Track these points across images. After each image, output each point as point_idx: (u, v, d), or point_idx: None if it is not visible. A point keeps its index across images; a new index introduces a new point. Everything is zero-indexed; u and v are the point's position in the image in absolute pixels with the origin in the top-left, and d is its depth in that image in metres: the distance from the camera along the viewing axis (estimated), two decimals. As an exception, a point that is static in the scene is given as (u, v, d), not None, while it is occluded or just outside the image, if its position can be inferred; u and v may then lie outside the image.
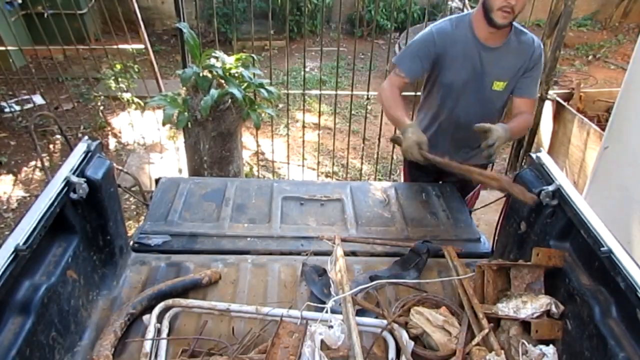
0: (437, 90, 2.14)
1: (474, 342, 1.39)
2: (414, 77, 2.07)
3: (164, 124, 3.09)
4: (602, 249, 1.30)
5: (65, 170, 1.47)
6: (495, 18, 1.86)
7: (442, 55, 2.01)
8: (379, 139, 3.74)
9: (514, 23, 1.97)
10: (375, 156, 3.93)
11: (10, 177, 4.03)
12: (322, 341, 1.30)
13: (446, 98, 2.12)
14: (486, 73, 2.02)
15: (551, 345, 1.38)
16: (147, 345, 1.40)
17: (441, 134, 2.22)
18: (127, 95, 4.19)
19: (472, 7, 6.30)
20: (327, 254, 1.77)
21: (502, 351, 1.36)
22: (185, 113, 2.93)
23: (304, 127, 3.91)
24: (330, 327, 1.32)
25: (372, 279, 1.70)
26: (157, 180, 2.25)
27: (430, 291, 1.66)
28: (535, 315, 1.43)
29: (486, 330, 1.38)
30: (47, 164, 4.06)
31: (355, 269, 1.79)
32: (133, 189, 3.25)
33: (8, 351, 1.15)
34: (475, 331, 1.44)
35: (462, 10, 5.54)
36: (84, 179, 1.50)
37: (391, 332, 1.44)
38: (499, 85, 2.03)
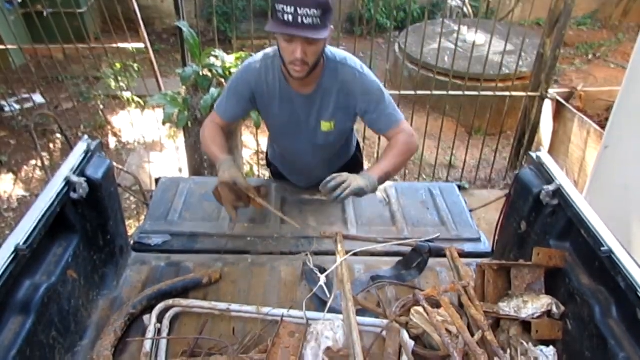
0: (268, 127, 2.01)
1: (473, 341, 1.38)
2: (233, 119, 1.90)
3: (164, 123, 3.08)
4: (602, 248, 1.30)
5: (66, 170, 1.47)
6: (291, 72, 1.62)
7: (259, 95, 1.80)
8: (379, 138, 3.73)
9: (331, 55, 1.73)
10: (376, 155, 3.92)
11: (11, 176, 4.03)
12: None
13: (275, 136, 2.02)
14: (309, 117, 1.81)
15: (551, 347, 1.38)
16: (148, 345, 1.40)
17: (286, 164, 2.17)
18: (127, 94, 4.19)
19: (472, 7, 6.30)
20: (328, 253, 1.77)
21: (502, 351, 1.36)
22: (185, 112, 2.93)
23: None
24: (332, 327, 1.32)
25: (373, 279, 1.70)
26: (157, 180, 2.25)
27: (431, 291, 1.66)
28: (536, 315, 1.43)
29: (483, 325, 1.37)
30: (47, 163, 4.06)
31: (356, 269, 1.79)
32: (133, 188, 3.25)
33: (8, 351, 1.15)
34: (475, 331, 1.44)
35: (462, 10, 5.53)
36: (84, 179, 1.50)
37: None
38: (326, 126, 1.81)
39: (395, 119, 1.79)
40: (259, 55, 1.80)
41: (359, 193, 1.63)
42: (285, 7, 1.46)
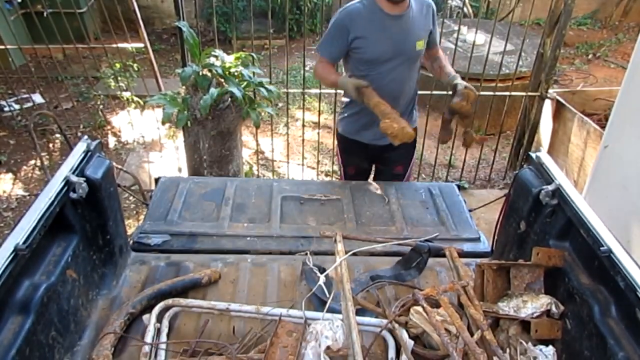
0: (361, 69, 2.19)
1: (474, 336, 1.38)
2: (336, 59, 2.23)
3: (163, 123, 3.09)
4: (601, 248, 1.30)
5: (65, 170, 1.47)
6: None
7: (358, 35, 2.09)
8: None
9: None
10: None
11: (10, 176, 4.03)
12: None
13: (371, 73, 2.18)
14: (407, 38, 2.13)
15: (551, 346, 1.38)
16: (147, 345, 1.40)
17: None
18: (126, 94, 4.18)
19: (472, 7, 6.29)
20: (327, 253, 1.77)
21: (501, 350, 1.36)
22: (185, 112, 2.93)
23: (303, 126, 3.91)
24: (332, 327, 1.32)
25: (372, 278, 1.70)
26: (156, 180, 2.25)
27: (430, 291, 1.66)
28: (535, 314, 1.43)
29: (482, 325, 1.37)
30: (46, 163, 4.06)
31: (356, 269, 1.79)
32: (133, 188, 3.25)
33: (8, 351, 1.15)
34: (474, 330, 1.44)
35: (462, 10, 5.53)
36: (84, 179, 1.50)
37: (391, 332, 1.44)
38: (420, 45, 2.16)
39: (438, 40, 2.34)
40: (351, 3, 2.13)
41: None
42: None
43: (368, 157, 2.49)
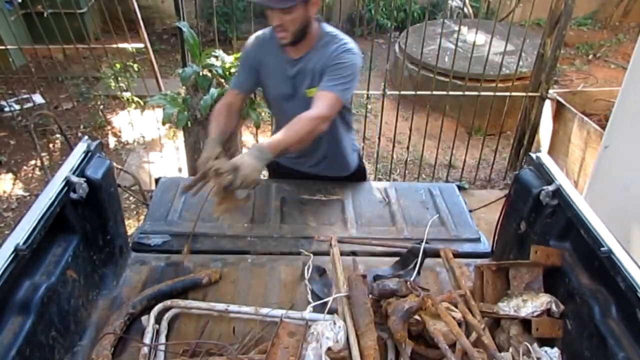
0: (269, 104, 2.15)
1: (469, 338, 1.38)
2: (245, 89, 2.04)
3: (163, 123, 3.09)
4: (602, 248, 1.30)
5: (65, 170, 1.47)
6: (278, 38, 1.81)
7: (261, 66, 1.96)
8: (379, 138, 3.73)
9: (326, 30, 1.89)
10: (375, 155, 3.93)
11: (10, 176, 4.03)
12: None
13: (275, 112, 2.11)
14: (298, 83, 1.92)
15: (555, 348, 1.38)
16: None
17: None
18: (127, 95, 4.18)
19: (472, 7, 6.29)
20: (328, 253, 1.76)
21: (502, 351, 1.36)
22: (185, 112, 2.93)
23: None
24: (333, 328, 1.32)
25: (374, 278, 1.69)
26: (157, 180, 2.25)
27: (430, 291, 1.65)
28: (535, 313, 1.43)
29: (479, 330, 1.37)
30: (47, 163, 4.06)
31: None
32: (133, 188, 3.24)
33: (8, 351, 1.15)
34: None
35: (462, 10, 5.53)
36: (84, 179, 1.50)
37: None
38: (312, 92, 1.86)
39: (332, 87, 1.78)
40: (265, 29, 1.97)
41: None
42: None
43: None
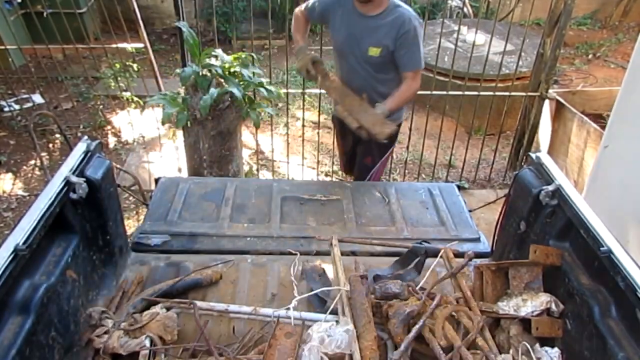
0: (332, 45, 2.38)
1: (464, 340, 1.37)
2: (310, 17, 2.36)
3: (163, 123, 3.08)
4: (601, 248, 1.30)
5: (65, 170, 1.47)
6: None
7: (330, 12, 2.25)
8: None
9: (401, 2, 2.18)
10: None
11: (10, 176, 4.02)
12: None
13: (337, 61, 2.36)
14: (362, 38, 2.18)
15: (556, 348, 1.38)
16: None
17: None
18: (126, 94, 4.18)
19: (472, 7, 6.29)
20: (328, 253, 1.77)
21: (501, 351, 1.36)
22: (185, 112, 2.93)
23: (303, 126, 3.90)
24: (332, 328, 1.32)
25: (375, 279, 1.70)
26: (156, 180, 2.25)
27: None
28: (535, 313, 1.43)
29: (477, 330, 1.37)
30: (46, 163, 4.05)
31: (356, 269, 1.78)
32: (133, 188, 3.24)
33: (8, 351, 1.15)
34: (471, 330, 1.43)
35: (462, 10, 5.53)
36: (84, 179, 1.50)
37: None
38: (374, 51, 2.18)
39: (410, 65, 2.19)
40: None
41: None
42: None
43: (349, 142, 2.65)
